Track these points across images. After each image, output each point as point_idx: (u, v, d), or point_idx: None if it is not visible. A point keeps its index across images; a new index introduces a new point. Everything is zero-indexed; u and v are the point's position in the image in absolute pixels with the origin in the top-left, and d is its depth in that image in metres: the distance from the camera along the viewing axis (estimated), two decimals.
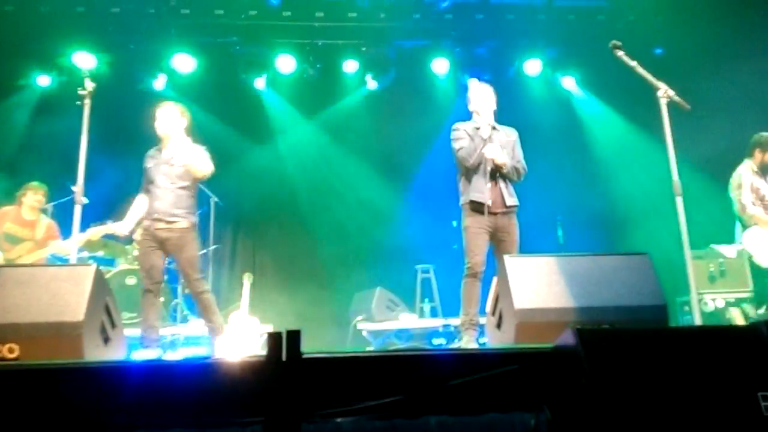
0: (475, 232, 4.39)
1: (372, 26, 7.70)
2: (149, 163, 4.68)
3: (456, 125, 4.65)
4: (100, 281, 3.14)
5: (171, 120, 4.69)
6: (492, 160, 4.41)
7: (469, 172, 4.51)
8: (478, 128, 4.55)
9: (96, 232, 5.49)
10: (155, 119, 4.71)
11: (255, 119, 8.08)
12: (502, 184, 4.48)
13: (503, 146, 4.53)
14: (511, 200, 4.48)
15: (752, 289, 5.92)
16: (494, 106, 4.65)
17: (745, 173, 5.40)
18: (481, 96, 4.61)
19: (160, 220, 4.52)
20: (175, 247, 4.54)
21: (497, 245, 4.46)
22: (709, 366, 2.01)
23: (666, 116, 3.78)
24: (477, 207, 4.41)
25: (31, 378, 2.15)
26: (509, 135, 4.65)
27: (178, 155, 4.63)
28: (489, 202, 4.37)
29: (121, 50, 7.53)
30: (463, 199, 4.55)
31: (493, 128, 4.58)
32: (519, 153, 4.64)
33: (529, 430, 2.03)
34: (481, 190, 4.41)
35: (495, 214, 4.41)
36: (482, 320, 4.27)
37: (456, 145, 4.56)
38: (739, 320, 5.49)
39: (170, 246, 4.54)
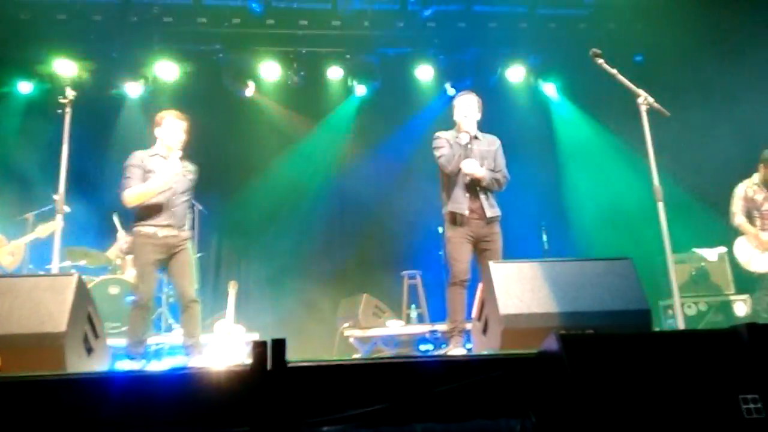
0: (458, 242, 4.41)
1: (356, 34, 7.74)
2: (151, 165, 4.51)
3: (437, 134, 4.69)
4: (82, 290, 3.10)
5: (184, 133, 4.64)
6: (471, 174, 4.44)
7: (450, 183, 4.55)
8: (458, 137, 4.57)
9: (44, 229, 5.37)
10: (169, 127, 4.59)
11: (239, 127, 8.05)
12: (482, 195, 4.49)
13: (485, 156, 4.56)
14: (492, 212, 4.49)
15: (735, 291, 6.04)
16: (478, 116, 4.67)
17: (742, 185, 5.61)
18: (464, 105, 4.63)
19: (171, 226, 4.44)
20: (181, 253, 4.49)
21: (480, 254, 4.47)
22: (690, 369, 2.04)
23: (646, 123, 3.83)
24: (456, 218, 4.45)
25: (13, 390, 2.11)
26: (491, 144, 4.68)
27: (185, 168, 4.63)
28: (466, 213, 4.41)
29: (103, 58, 7.49)
30: (444, 210, 4.58)
31: (475, 137, 4.60)
32: (501, 162, 4.66)
33: None
34: (459, 200, 4.46)
35: (477, 222, 4.44)
36: (468, 326, 4.29)
37: (437, 153, 4.59)
38: None
39: (174, 252, 4.47)
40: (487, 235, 4.45)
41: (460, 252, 4.39)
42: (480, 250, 4.47)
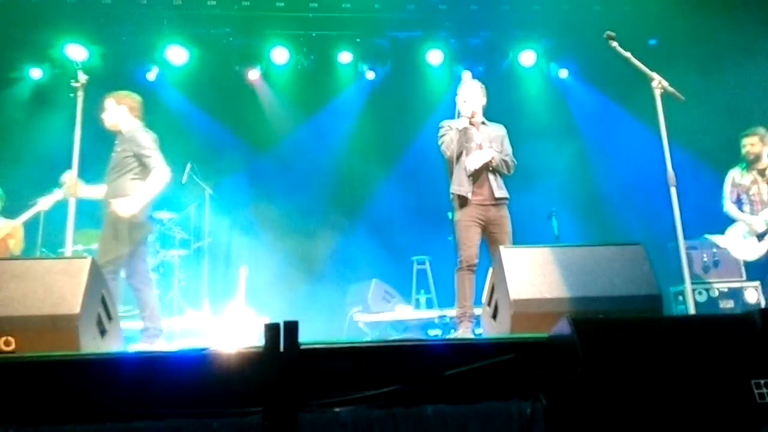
0: (466, 225, 4.42)
1: (366, 17, 7.68)
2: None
3: (443, 123, 4.73)
4: (96, 273, 3.13)
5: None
6: (480, 164, 4.46)
7: (453, 165, 4.57)
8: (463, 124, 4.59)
9: (45, 201, 5.39)
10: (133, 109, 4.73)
11: (248, 110, 8.05)
12: (491, 176, 4.51)
13: (492, 140, 4.60)
14: (501, 192, 4.50)
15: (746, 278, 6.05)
16: (483, 101, 4.68)
17: (732, 171, 5.67)
18: (466, 91, 4.66)
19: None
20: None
21: (489, 237, 4.48)
22: (702, 354, 2.03)
23: (660, 107, 3.79)
24: (461, 200, 4.48)
25: (28, 370, 2.15)
26: (498, 130, 4.72)
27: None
28: (469, 196, 4.44)
29: (114, 42, 7.49)
30: (450, 193, 4.61)
31: (482, 123, 4.65)
32: (507, 147, 4.69)
33: (525, 417, 2.05)
34: (461, 183, 4.49)
35: (485, 206, 4.46)
36: (478, 311, 4.30)
37: (439, 141, 4.66)
38: None
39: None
40: (495, 219, 4.46)
41: (468, 235, 4.40)
42: (489, 234, 4.48)
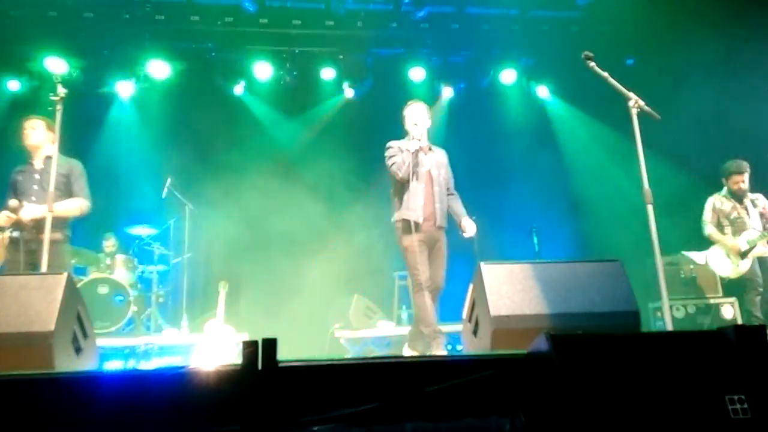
0: (416, 250, 4.50)
1: (349, 34, 7.74)
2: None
3: (389, 143, 4.80)
4: (71, 290, 3.08)
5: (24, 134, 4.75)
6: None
7: (402, 189, 4.64)
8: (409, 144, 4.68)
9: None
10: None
11: (230, 125, 8.03)
12: (437, 204, 4.63)
13: (439, 166, 4.76)
14: (442, 221, 4.66)
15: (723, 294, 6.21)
16: (429, 123, 4.80)
17: (712, 198, 5.95)
18: (414, 114, 4.74)
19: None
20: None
21: (429, 261, 4.60)
22: (678, 370, 2.06)
23: (637, 126, 3.85)
24: (410, 225, 4.54)
25: (1, 390, 2.10)
26: (443, 157, 4.86)
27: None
28: (420, 220, 4.54)
29: (94, 55, 7.44)
30: (395, 217, 4.69)
31: (429, 149, 4.77)
32: (450, 175, 4.88)
33: None
34: (413, 207, 4.56)
35: (430, 231, 4.59)
36: (458, 327, 4.31)
37: (389, 162, 4.70)
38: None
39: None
40: (438, 240, 4.62)
41: (422, 259, 4.50)
42: (431, 253, 4.61)
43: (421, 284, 4.45)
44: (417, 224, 4.51)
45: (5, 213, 4.44)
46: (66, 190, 4.65)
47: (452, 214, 4.78)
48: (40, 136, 4.71)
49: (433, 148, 4.82)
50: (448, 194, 4.83)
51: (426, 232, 4.55)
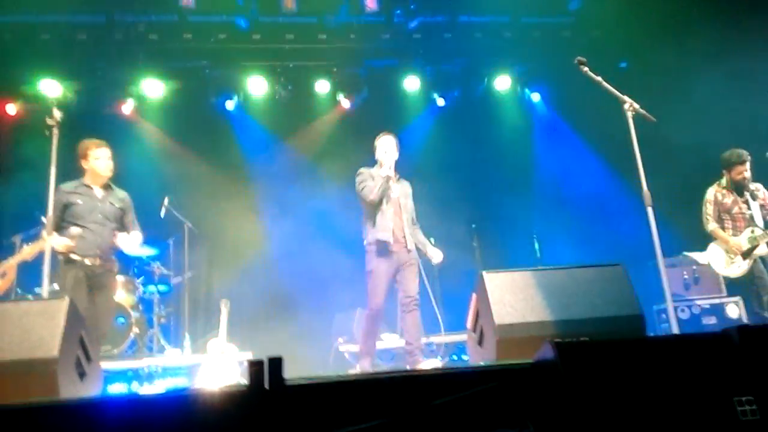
0: (380, 277, 4.78)
1: (342, 47, 7.78)
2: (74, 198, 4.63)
3: (360, 170, 5.05)
4: (74, 314, 3.06)
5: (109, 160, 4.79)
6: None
7: (374, 213, 4.85)
8: (380, 171, 4.93)
9: (30, 250, 5.26)
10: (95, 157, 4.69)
11: (226, 143, 8.04)
12: (407, 229, 4.89)
13: (406, 196, 5.05)
14: (412, 246, 4.91)
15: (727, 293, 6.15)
16: (396, 155, 5.01)
17: (711, 189, 5.68)
18: (385, 144, 4.99)
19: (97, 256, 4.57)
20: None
21: (400, 279, 4.85)
22: (685, 373, 2.05)
23: (632, 129, 3.86)
24: (381, 246, 4.76)
25: (5, 419, 2.08)
26: (408, 188, 5.14)
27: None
28: (391, 240, 4.77)
29: (89, 77, 7.46)
30: (368, 239, 4.88)
31: (397, 180, 5.01)
32: (413, 206, 5.11)
33: None
34: (385, 229, 4.79)
35: (399, 251, 4.83)
36: (464, 337, 4.30)
37: (359, 186, 4.93)
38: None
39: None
40: (407, 260, 4.85)
41: (381, 287, 4.79)
42: (400, 275, 4.86)
43: (372, 309, 4.79)
44: (388, 244, 4.74)
45: (66, 241, 4.35)
46: (119, 222, 4.72)
47: (417, 244, 5.01)
48: (112, 166, 4.74)
49: (400, 179, 5.06)
50: (413, 224, 5.08)
51: (397, 253, 4.79)
